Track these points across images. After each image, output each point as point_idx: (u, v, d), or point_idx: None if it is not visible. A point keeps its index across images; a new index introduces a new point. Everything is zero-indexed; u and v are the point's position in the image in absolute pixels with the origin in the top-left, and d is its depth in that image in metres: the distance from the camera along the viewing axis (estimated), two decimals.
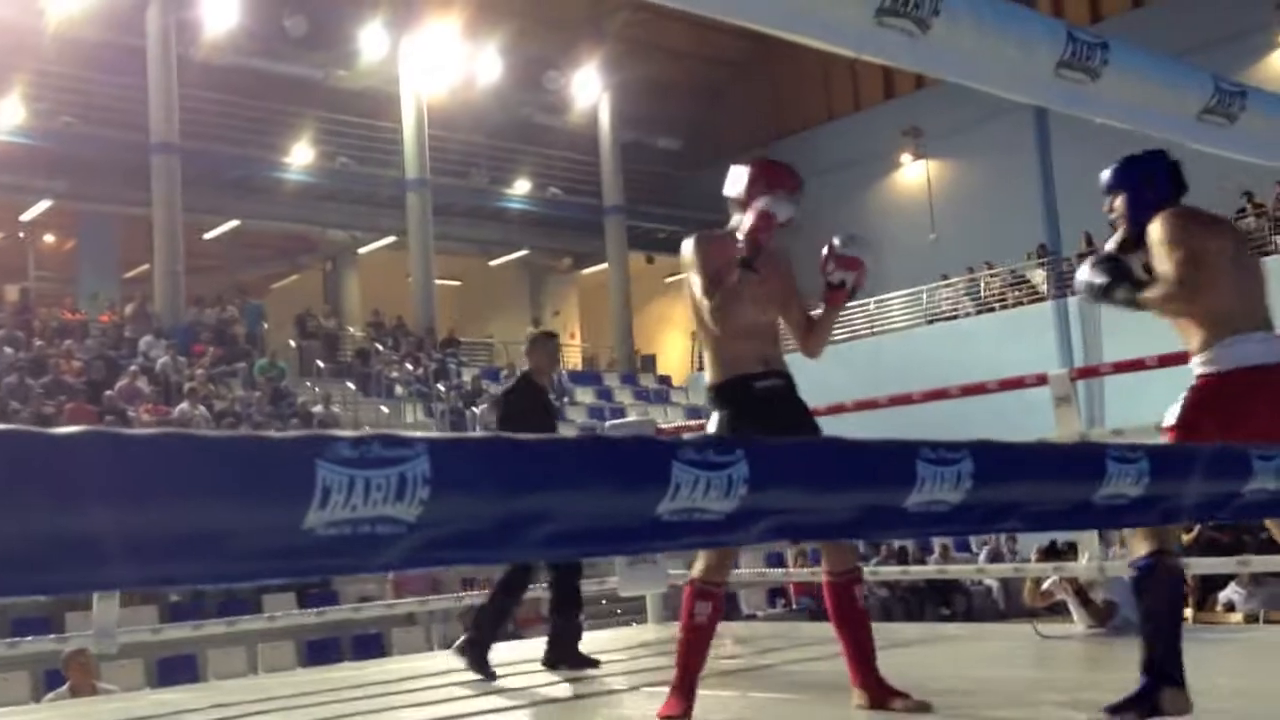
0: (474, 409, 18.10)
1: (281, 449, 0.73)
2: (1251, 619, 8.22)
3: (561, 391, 20.78)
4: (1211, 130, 1.32)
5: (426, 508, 0.77)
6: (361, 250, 23.20)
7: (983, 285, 19.86)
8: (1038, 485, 1.20)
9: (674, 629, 6.93)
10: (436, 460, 0.78)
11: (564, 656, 5.12)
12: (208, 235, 21.07)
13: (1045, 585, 5.43)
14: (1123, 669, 4.34)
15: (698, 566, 3.30)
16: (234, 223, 20.87)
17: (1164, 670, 2.76)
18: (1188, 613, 8.99)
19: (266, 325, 19.58)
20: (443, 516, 0.79)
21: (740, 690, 4.26)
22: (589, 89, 23.14)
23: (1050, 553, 5.88)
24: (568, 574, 5.29)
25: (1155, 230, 2.81)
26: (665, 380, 23.78)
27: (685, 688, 3.31)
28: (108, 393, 14.73)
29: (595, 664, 5.01)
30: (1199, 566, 7.54)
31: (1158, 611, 2.84)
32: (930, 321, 20.07)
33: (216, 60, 19.11)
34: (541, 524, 0.85)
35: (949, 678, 4.12)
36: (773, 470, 0.97)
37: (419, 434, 0.78)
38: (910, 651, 5.18)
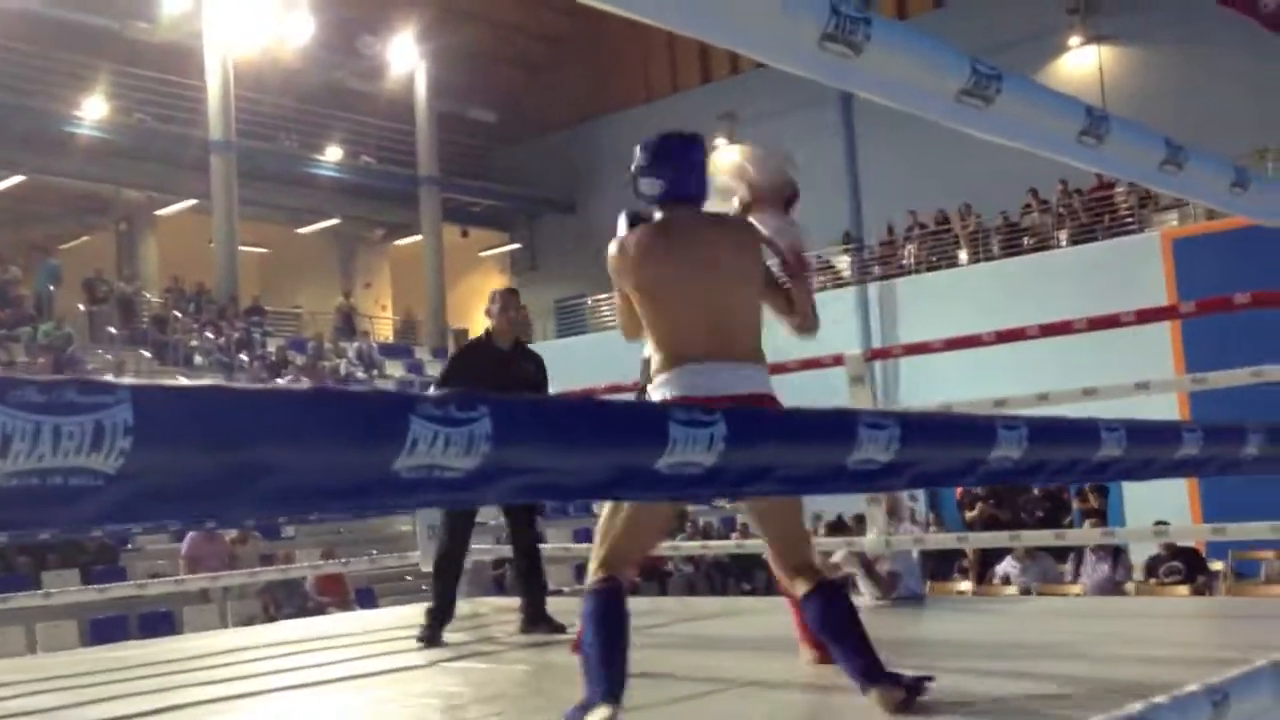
0: (279, 379, 17.54)
1: None
2: (1025, 592, 8.71)
3: (370, 363, 20.37)
4: (969, 112, 1.36)
5: (128, 459, 0.72)
6: (160, 212, 22.15)
7: None
8: (791, 449, 1.22)
9: (477, 604, 6.89)
10: (140, 408, 0.73)
11: (535, 622, 5.11)
12: None
13: (834, 558, 5.61)
14: (900, 636, 4.53)
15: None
16: (19, 177, 19.62)
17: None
18: (967, 585, 9.48)
19: (53, 288, 18.49)
20: (147, 468, 0.74)
21: (536, 665, 4.27)
22: (405, 56, 22.65)
23: (837, 527, 6.09)
24: (529, 540, 5.35)
25: (610, 254, 2.97)
26: None
27: None
28: None
29: (562, 629, 4.94)
30: (978, 541, 7.95)
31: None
32: None
33: (6, 3, 17.89)
34: (262, 478, 0.80)
35: (739, 647, 4.23)
36: (517, 427, 0.96)
37: (123, 380, 0.73)
38: (710, 623, 5.31)
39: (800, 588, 2.90)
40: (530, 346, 5.58)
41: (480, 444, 0.90)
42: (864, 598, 5.40)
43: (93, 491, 0.69)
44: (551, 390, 5.68)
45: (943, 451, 1.37)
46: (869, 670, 2.74)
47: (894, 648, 4.10)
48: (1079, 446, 1.51)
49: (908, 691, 2.68)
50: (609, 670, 2.67)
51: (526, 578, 5.30)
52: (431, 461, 0.88)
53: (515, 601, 5.48)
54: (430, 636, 4.93)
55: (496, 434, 0.91)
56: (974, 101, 1.37)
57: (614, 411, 1.04)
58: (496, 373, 5.01)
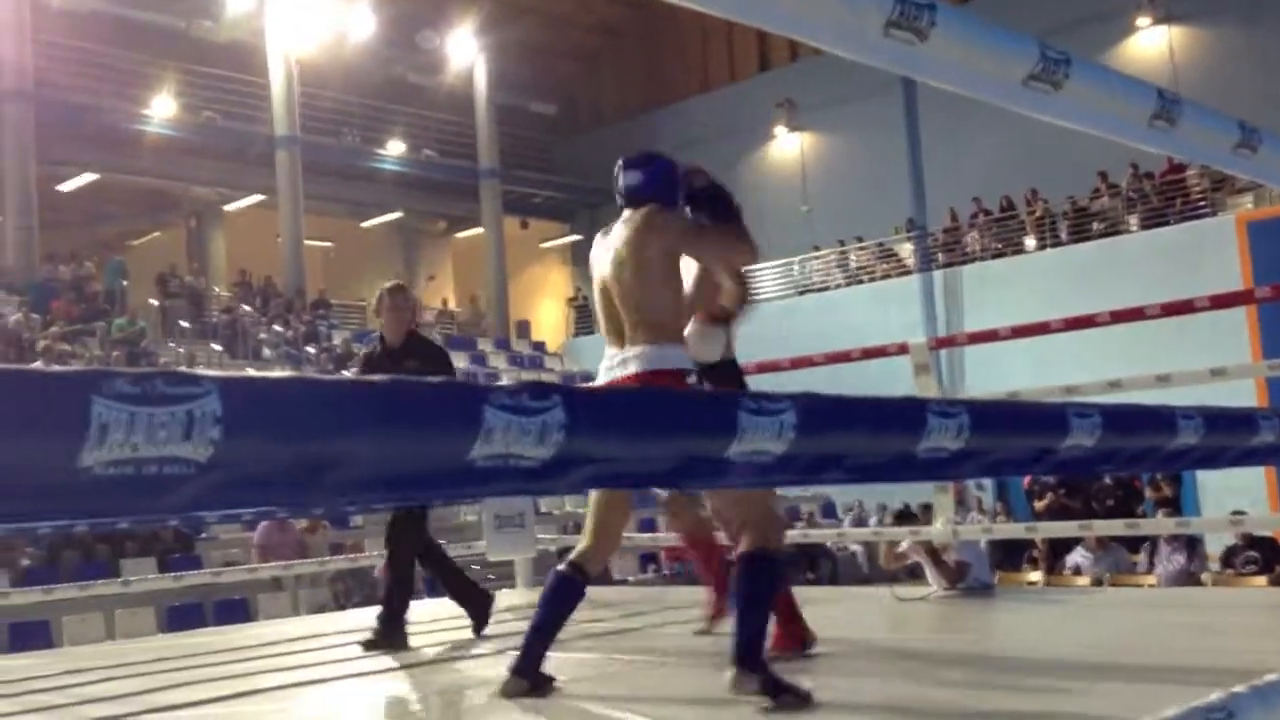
0: (345, 371, 17.77)
1: (55, 383, 0.70)
2: (1097, 583, 8.58)
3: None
4: (1037, 97, 1.35)
5: (218, 448, 0.74)
6: (228, 208, 22.53)
7: (853, 258, 20.22)
8: (860, 437, 1.22)
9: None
10: (228, 399, 0.75)
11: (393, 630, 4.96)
12: (63, 188, 20.19)
13: (900, 547, 5.59)
14: (967, 628, 4.50)
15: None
16: (92, 176, 20.05)
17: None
18: (1037, 576, 9.36)
19: (126, 283, 18.88)
20: (236, 457, 0.76)
21: (604, 653, 4.29)
22: (464, 49, 22.79)
23: (904, 516, 6.05)
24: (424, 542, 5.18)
25: None
26: (540, 346, 23.71)
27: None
28: None
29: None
30: (1048, 531, 7.86)
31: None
32: (802, 292, 20.38)
33: (75, 6, 18.28)
34: (343, 468, 0.82)
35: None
36: (590, 417, 0.97)
37: (210, 372, 0.75)
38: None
39: (744, 544, 3.04)
40: (425, 338, 5.45)
41: (553, 433, 0.91)
42: (932, 587, 5.36)
43: (184, 480, 0.72)
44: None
45: (1014, 440, 1.36)
46: (749, 652, 2.85)
47: (965, 637, 4.08)
48: (1154, 434, 1.50)
49: (768, 693, 2.77)
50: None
51: (453, 576, 5.15)
52: (506, 451, 0.90)
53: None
54: (373, 642, 4.76)
55: (570, 423, 0.92)
56: (1042, 86, 1.36)
57: (684, 400, 1.05)
58: (382, 373, 4.98)
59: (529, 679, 3.23)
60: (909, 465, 1.27)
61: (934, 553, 5.38)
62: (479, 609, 5.07)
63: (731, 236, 3.26)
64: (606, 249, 3.29)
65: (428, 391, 0.84)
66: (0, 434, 0.63)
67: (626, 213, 3.32)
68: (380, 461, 0.81)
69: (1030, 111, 1.37)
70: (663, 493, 3.80)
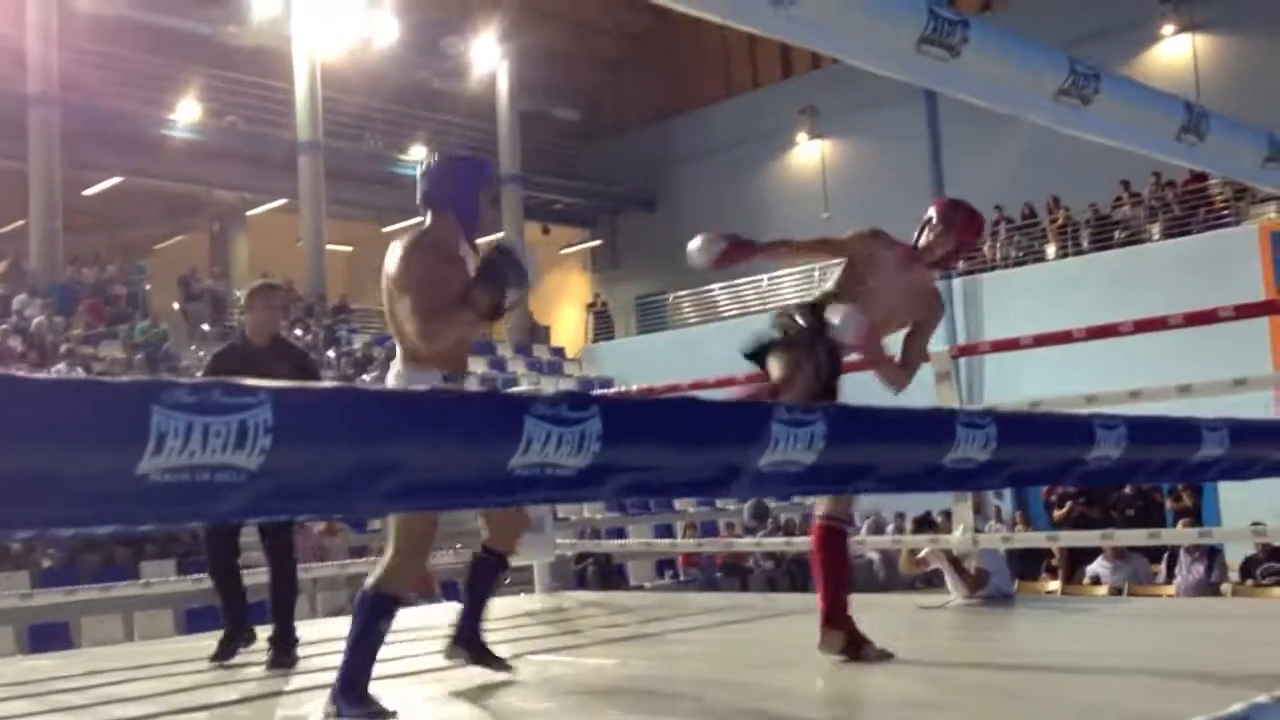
0: (364, 376, 17.85)
1: (116, 392, 0.72)
2: (1116, 592, 8.56)
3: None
4: (1067, 111, 1.36)
5: (269, 457, 0.77)
6: (251, 212, 22.66)
7: None
8: (889, 448, 1.24)
9: (560, 599, 6.98)
10: (279, 409, 0.78)
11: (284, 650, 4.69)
12: (88, 192, 20.34)
13: (920, 554, 5.58)
14: (988, 637, 4.50)
15: (825, 508, 3.66)
16: (116, 179, 20.20)
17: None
18: (1055, 585, 9.34)
19: (149, 287, 19.01)
20: (286, 466, 0.78)
21: (621, 658, 4.31)
22: (487, 55, 22.88)
23: (924, 523, 6.06)
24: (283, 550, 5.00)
25: None
26: (559, 352, 23.74)
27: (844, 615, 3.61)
28: None
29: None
30: (1070, 540, 7.83)
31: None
32: None
33: (102, 11, 18.43)
34: (390, 476, 0.85)
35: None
36: (626, 427, 0.99)
37: (264, 382, 0.77)
38: (790, 620, 5.30)
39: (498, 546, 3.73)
40: (290, 340, 5.35)
41: (591, 443, 0.93)
42: (952, 595, 5.36)
43: (236, 487, 0.74)
44: (633, 387, 5.67)
45: (1041, 451, 1.38)
46: (468, 637, 3.53)
47: (985, 646, 4.08)
48: (1179, 446, 1.51)
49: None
50: None
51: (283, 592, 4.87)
52: (544, 460, 0.92)
53: (597, 595, 5.49)
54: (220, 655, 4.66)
55: (607, 433, 0.94)
56: (1072, 101, 1.37)
57: (718, 411, 1.07)
58: (245, 373, 4.84)
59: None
60: (937, 475, 1.28)
61: (955, 560, 5.38)
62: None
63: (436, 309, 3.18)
64: None
65: (471, 402, 0.86)
66: (63, 442, 0.66)
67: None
68: (425, 470, 0.83)
69: (1059, 126, 1.39)
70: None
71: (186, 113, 19.70)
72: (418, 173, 3.51)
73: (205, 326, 18.80)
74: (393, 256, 3.29)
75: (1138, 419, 1.42)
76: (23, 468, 0.66)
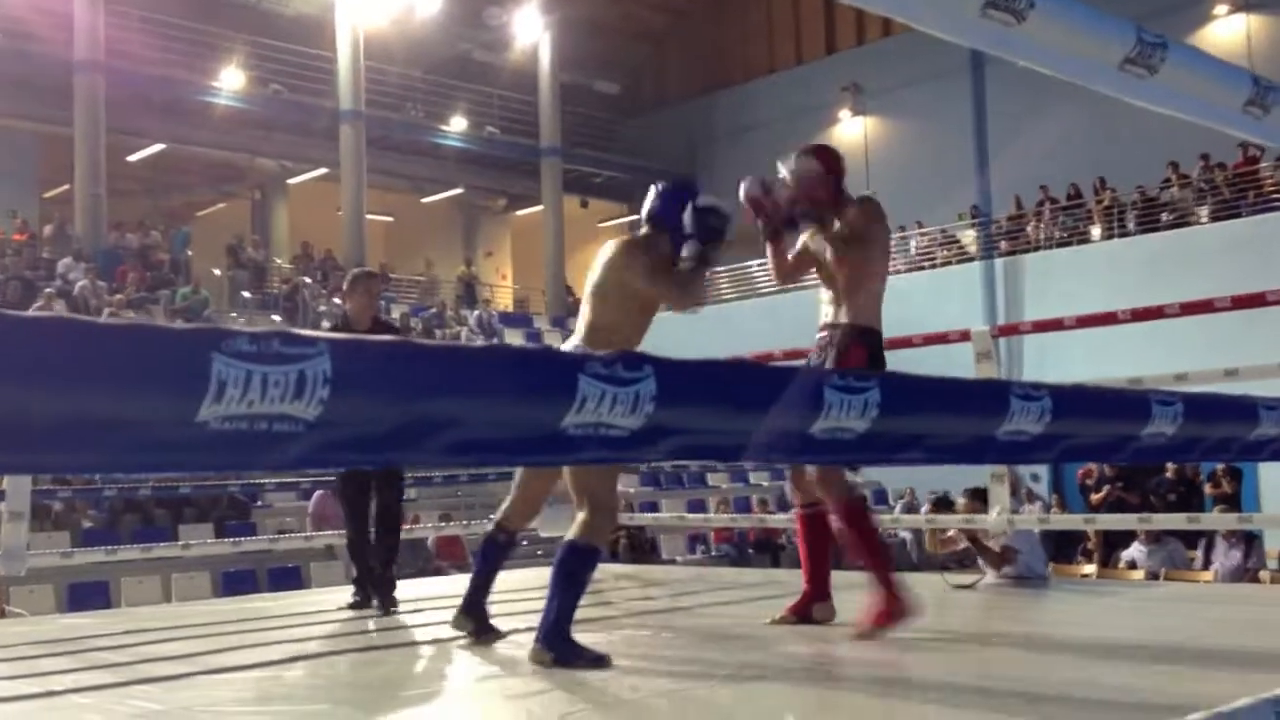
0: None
1: (178, 340, 0.71)
2: (1153, 576, 8.48)
3: (490, 332, 20.67)
4: (1132, 81, 1.33)
5: (326, 407, 0.76)
6: (292, 181, 22.76)
7: (913, 243, 20.02)
8: (942, 418, 1.22)
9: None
10: (338, 360, 0.77)
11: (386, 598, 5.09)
12: (132, 158, 20.51)
13: (948, 533, 5.56)
14: (1021, 616, 4.47)
15: (838, 492, 3.80)
16: (160, 146, 20.34)
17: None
18: (1091, 568, 9.27)
19: (191, 253, 19.18)
20: (342, 417, 0.78)
21: (653, 630, 4.31)
22: (530, 27, 22.80)
23: (941, 504, 6.04)
24: (391, 500, 5.28)
25: None
26: None
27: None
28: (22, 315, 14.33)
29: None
30: (1107, 523, 7.76)
31: None
32: None
33: None
34: (443, 430, 0.84)
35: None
36: (681, 389, 0.98)
37: (323, 334, 0.77)
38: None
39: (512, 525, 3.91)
40: (391, 324, 5.74)
41: (645, 404, 0.93)
42: (982, 574, 5.33)
43: (293, 437, 0.74)
44: None
45: (1096, 425, 1.36)
46: (553, 630, 3.32)
47: (1017, 626, 4.06)
48: (1235, 424, 1.48)
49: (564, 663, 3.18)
50: None
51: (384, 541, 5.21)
52: (599, 420, 0.91)
53: (630, 568, 5.53)
54: (356, 603, 5.08)
55: (661, 395, 0.93)
56: (1138, 70, 1.34)
57: (772, 375, 1.06)
58: None
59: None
60: (989, 447, 1.26)
61: (975, 539, 5.35)
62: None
63: (685, 287, 3.76)
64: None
65: (526, 358, 0.85)
66: (125, 388, 0.66)
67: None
68: (478, 426, 0.83)
69: (1124, 96, 1.36)
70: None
71: (230, 80, 19.78)
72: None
73: (246, 294, 18.95)
74: (608, 252, 3.85)
75: (1194, 395, 1.39)
76: (82, 410, 0.66)
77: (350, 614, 5.06)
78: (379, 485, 5.27)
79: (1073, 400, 1.32)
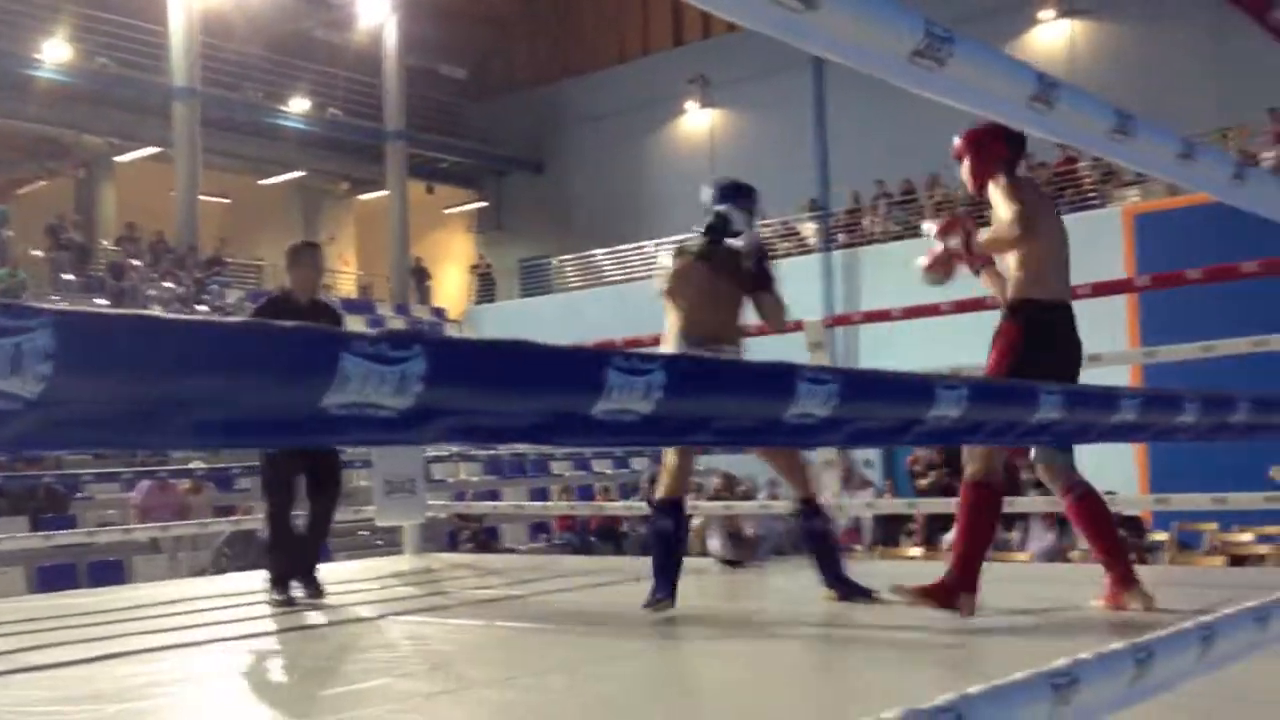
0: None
1: None
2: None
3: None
4: (921, 73, 1.36)
5: (49, 385, 0.72)
6: (120, 159, 21.83)
7: None
8: (728, 400, 1.23)
9: (429, 560, 6.91)
10: (62, 334, 0.72)
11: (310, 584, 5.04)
12: None
13: (695, 521, 5.80)
14: (752, 595, 4.58)
15: (975, 468, 3.82)
16: None
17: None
18: (918, 550, 9.58)
19: (10, 233, 18.20)
20: (69, 395, 0.73)
21: (486, 620, 4.29)
22: (375, 8, 22.35)
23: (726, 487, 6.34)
24: (328, 501, 5.20)
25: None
26: (440, 313, 23.47)
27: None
28: None
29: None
30: (929, 506, 8.04)
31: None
32: None
33: None
34: (187, 410, 0.80)
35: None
36: (452, 369, 0.95)
37: (47, 305, 0.72)
38: None
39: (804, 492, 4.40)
40: (329, 302, 5.65)
41: (413, 384, 0.90)
42: (711, 558, 5.58)
43: (12, 415, 0.69)
44: None
45: (882, 409, 1.39)
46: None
47: (754, 604, 4.16)
48: (1017, 408, 1.54)
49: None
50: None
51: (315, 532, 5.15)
52: (363, 400, 0.88)
53: (468, 557, 5.53)
54: (279, 600, 4.91)
55: (431, 374, 0.90)
56: (926, 63, 1.37)
57: (547, 356, 1.04)
58: None
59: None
60: (777, 430, 1.28)
61: (724, 524, 5.63)
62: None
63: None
64: None
65: (281, 336, 0.82)
66: None
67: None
68: (229, 406, 0.79)
69: (915, 88, 1.39)
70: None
71: (55, 52, 18.85)
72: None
73: (68, 276, 18.10)
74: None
75: (978, 380, 1.44)
76: None
77: (182, 610, 4.89)
78: (321, 481, 5.09)
79: (860, 385, 1.35)
